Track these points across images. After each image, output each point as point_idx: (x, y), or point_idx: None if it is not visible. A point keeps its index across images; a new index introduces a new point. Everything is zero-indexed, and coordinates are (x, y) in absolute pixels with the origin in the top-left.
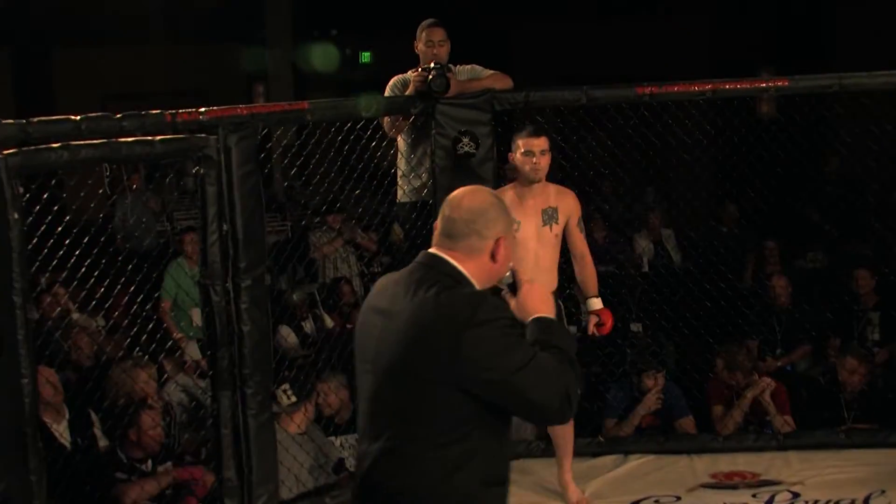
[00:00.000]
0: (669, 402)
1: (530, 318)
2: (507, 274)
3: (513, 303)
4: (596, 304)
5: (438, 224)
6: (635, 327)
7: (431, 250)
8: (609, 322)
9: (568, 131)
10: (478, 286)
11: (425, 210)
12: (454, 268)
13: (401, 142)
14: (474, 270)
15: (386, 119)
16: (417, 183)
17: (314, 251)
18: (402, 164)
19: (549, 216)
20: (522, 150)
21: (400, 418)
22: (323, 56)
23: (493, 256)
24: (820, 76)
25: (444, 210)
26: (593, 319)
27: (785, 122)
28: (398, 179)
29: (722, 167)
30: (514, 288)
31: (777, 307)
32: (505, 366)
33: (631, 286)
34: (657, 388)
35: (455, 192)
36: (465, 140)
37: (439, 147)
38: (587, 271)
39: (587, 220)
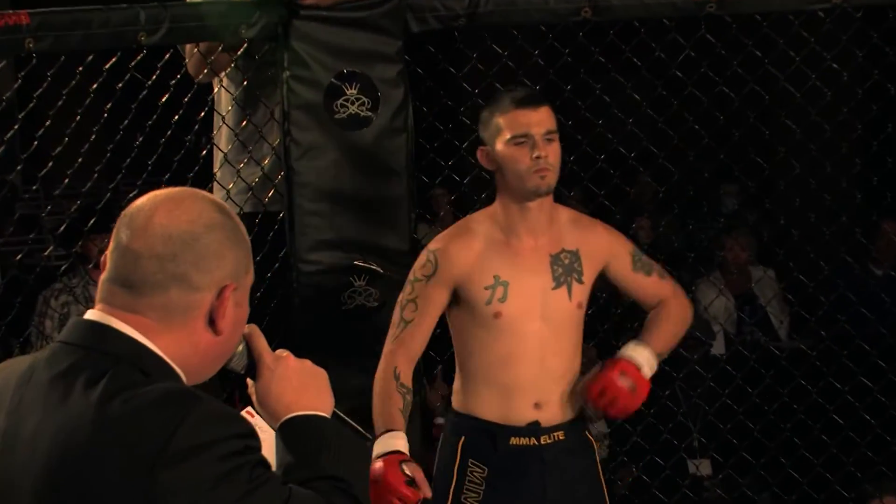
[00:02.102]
0: None
1: (280, 422)
2: (240, 349)
3: (253, 397)
4: (643, 354)
5: (108, 260)
6: (698, 467)
7: (92, 315)
8: (638, 400)
9: (559, 77)
10: (186, 378)
11: (269, 230)
12: (137, 345)
13: (222, 95)
14: (178, 349)
15: (190, 49)
16: (253, 176)
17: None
18: (222, 138)
19: (567, 268)
20: (510, 136)
21: None
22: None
23: (212, 323)
24: None
25: (120, 234)
26: (618, 369)
27: None
28: (215, 169)
29: (869, 148)
30: (252, 372)
31: None
32: None
33: (688, 385)
34: None
35: (140, 201)
36: (351, 92)
37: (297, 106)
38: (664, 311)
39: None
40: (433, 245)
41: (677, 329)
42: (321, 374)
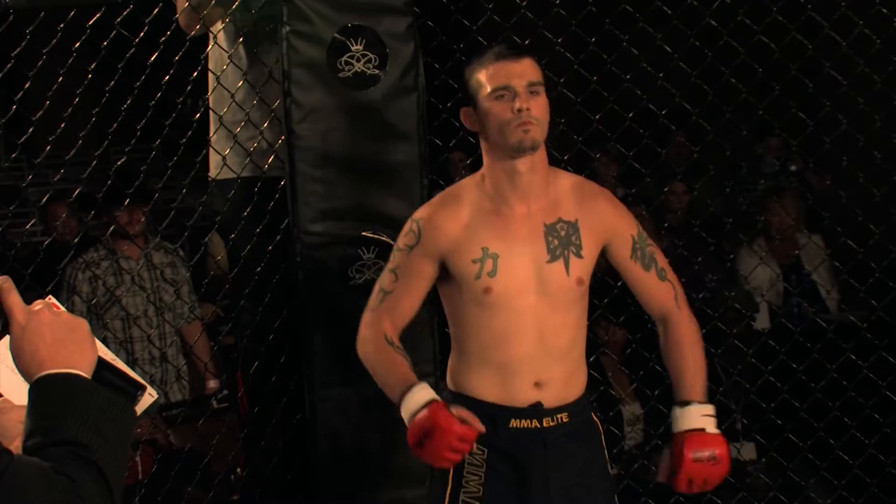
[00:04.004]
0: None
1: (32, 382)
2: None
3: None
4: (696, 416)
5: None
6: (739, 451)
7: None
8: (725, 462)
9: (583, 28)
10: None
11: (270, 197)
12: None
13: (216, 53)
14: None
15: (182, 1)
16: (252, 140)
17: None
18: (217, 102)
19: (563, 241)
20: (490, 89)
21: None
22: None
23: None
24: None
25: None
26: (689, 449)
27: None
28: (210, 132)
29: None
30: (7, 329)
31: None
32: None
33: (728, 361)
34: None
35: None
36: (356, 48)
37: (299, 64)
38: (677, 353)
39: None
40: (418, 214)
41: (700, 360)
42: (80, 327)
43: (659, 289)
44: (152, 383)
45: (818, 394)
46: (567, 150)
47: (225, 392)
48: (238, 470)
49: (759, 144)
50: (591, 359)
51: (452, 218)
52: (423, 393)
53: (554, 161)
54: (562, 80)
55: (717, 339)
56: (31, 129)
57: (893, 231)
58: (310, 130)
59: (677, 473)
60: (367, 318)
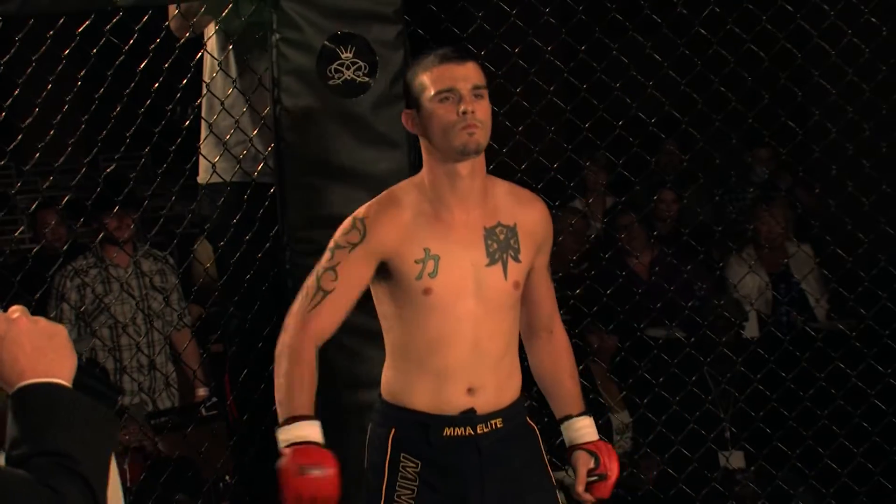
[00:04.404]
0: None
1: (13, 391)
2: None
3: None
4: (585, 429)
5: None
6: (728, 459)
7: None
8: (615, 470)
9: (573, 37)
10: None
11: (260, 203)
12: None
13: (206, 60)
14: None
15: (172, 9)
16: (241, 146)
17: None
18: (208, 107)
19: (502, 245)
20: (434, 92)
21: None
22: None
23: None
24: None
25: None
26: (583, 464)
27: None
28: (201, 138)
29: None
30: None
31: None
32: None
33: (717, 370)
34: None
35: None
36: (346, 56)
37: (288, 71)
38: (561, 363)
39: (611, 222)
40: (360, 213)
41: (575, 368)
42: (59, 335)
43: (553, 299)
44: (140, 391)
45: (807, 402)
46: (556, 158)
47: (214, 400)
48: (227, 477)
49: (749, 153)
50: (581, 367)
51: (396, 218)
52: (307, 430)
53: (543, 169)
54: (552, 88)
55: (706, 348)
56: (20, 136)
57: (882, 240)
58: (299, 138)
59: (610, 478)
60: (294, 319)
